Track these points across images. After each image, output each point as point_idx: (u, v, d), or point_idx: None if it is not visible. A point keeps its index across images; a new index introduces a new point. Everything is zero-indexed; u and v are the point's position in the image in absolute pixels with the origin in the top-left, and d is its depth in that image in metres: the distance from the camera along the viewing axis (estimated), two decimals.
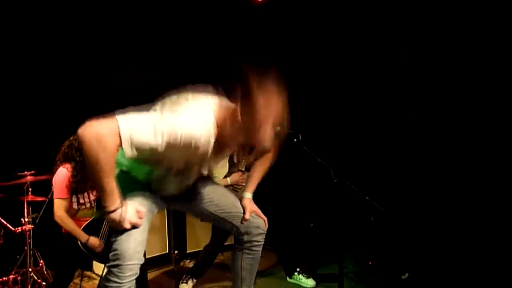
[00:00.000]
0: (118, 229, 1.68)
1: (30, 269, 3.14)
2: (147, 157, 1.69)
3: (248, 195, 2.18)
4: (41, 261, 3.27)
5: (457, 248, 3.75)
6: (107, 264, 1.75)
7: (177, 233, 4.16)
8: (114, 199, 1.63)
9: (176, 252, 4.12)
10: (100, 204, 2.91)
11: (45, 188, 3.11)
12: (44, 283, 3.17)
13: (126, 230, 1.68)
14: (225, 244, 3.55)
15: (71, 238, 2.83)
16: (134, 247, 1.73)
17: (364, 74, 4.60)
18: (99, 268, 3.64)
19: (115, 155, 1.57)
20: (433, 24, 3.95)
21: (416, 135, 4.21)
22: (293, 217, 4.43)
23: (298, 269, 3.51)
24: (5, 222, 3.10)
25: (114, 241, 1.72)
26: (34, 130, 3.75)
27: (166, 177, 1.87)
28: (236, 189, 3.41)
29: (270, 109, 1.61)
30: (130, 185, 1.84)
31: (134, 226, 1.71)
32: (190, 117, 1.62)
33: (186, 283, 3.42)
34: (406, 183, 4.23)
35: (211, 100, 1.70)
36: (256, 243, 2.14)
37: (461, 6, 3.72)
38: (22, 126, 3.73)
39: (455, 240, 3.80)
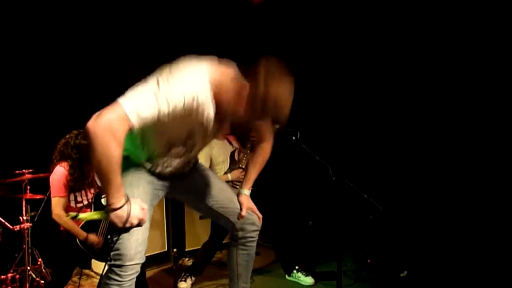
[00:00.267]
0: (122, 228, 1.61)
1: (28, 268, 3.14)
2: (150, 133, 1.66)
3: (246, 191, 2.19)
4: (40, 259, 3.27)
5: (455, 246, 3.75)
6: (109, 263, 1.74)
7: (175, 231, 4.16)
8: (120, 195, 1.58)
9: (174, 250, 4.11)
10: (99, 204, 2.94)
11: (43, 186, 3.10)
12: (42, 281, 3.16)
13: (128, 229, 1.65)
14: (223, 242, 3.55)
15: (70, 236, 2.83)
16: (136, 247, 1.73)
17: (362, 72, 4.60)
18: (97, 266, 3.64)
19: (123, 143, 1.54)
20: (431, 20, 3.95)
21: (414, 133, 4.21)
22: (292, 215, 4.43)
23: (297, 267, 3.52)
24: (3, 220, 3.10)
25: (116, 240, 1.70)
26: (33, 128, 3.74)
27: (169, 153, 1.85)
28: (235, 185, 3.41)
29: (275, 97, 1.59)
30: (130, 172, 1.81)
31: (137, 224, 1.67)
32: (184, 78, 1.60)
33: (185, 281, 3.42)
34: (405, 181, 4.24)
35: (204, 64, 1.68)
36: (250, 239, 2.15)
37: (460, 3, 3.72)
38: (20, 124, 3.73)
39: (454, 237, 3.81)
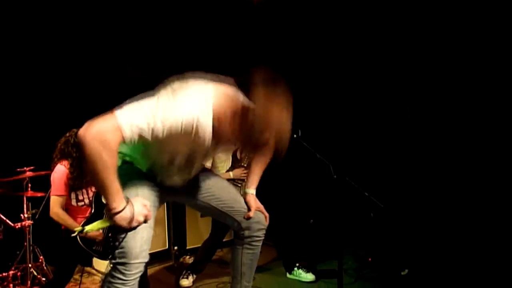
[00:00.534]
0: (127, 228, 1.61)
1: (29, 265, 3.15)
2: (149, 146, 1.67)
3: (252, 191, 2.17)
4: (41, 256, 3.28)
5: (456, 244, 3.75)
6: (113, 261, 1.73)
7: (177, 229, 4.17)
8: (120, 198, 1.58)
9: (176, 248, 4.13)
10: (100, 203, 2.94)
11: (44, 183, 3.11)
12: (43, 279, 3.17)
13: (135, 228, 1.64)
14: (224, 240, 3.55)
15: (70, 234, 2.83)
16: (141, 246, 1.72)
17: (364, 70, 4.59)
18: (99, 264, 3.64)
19: (117, 152, 1.55)
20: (432, 18, 3.94)
21: (416, 131, 4.20)
22: (293, 213, 4.43)
23: (297, 264, 3.52)
24: (4, 218, 3.10)
25: (121, 238, 1.69)
26: (34, 126, 3.74)
27: (169, 167, 1.85)
28: (237, 183, 3.42)
29: (275, 116, 1.59)
30: (133, 176, 1.82)
31: (144, 221, 1.68)
32: (188, 99, 1.60)
33: (187, 278, 3.43)
34: (406, 179, 4.23)
35: (210, 85, 1.68)
36: (256, 238, 2.14)
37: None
38: (21, 122, 3.73)
39: (455, 236, 3.81)
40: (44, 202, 3.21)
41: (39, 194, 3.21)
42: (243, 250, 2.16)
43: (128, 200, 1.61)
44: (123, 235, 1.68)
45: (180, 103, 1.58)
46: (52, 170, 2.91)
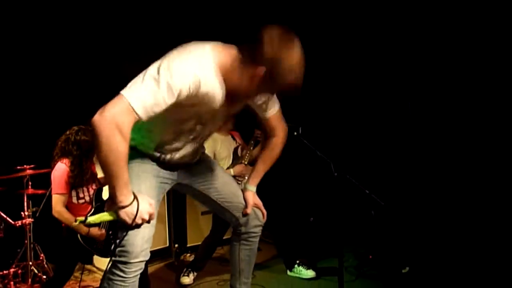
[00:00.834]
0: (132, 224, 1.57)
1: (30, 263, 3.16)
2: (159, 120, 1.62)
3: (252, 187, 2.16)
4: (42, 254, 3.28)
5: (457, 242, 3.75)
6: (113, 259, 1.72)
7: (177, 227, 4.17)
8: (127, 192, 1.54)
9: (176, 245, 4.13)
10: (100, 200, 2.94)
11: (45, 181, 3.11)
12: (44, 277, 3.18)
13: (139, 226, 1.61)
14: (224, 237, 3.55)
15: (71, 232, 2.83)
16: (142, 244, 1.71)
17: (364, 66, 4.58)
18: (99, 261, 3.65)
19: (129, 136, 1.51)
20: (433, 14, 3.93)
21: (417, 128, 4.20)
22: (294, 211, 4.43)
23: (298, 261, 3.52)
24: (5, 216, 3.11)
25: (122, 237, 1.67)
26: (34, 123, 3.74)
27: (177, 140, 1.82)
28: (238, 180, 3.42)
29: (285, 63, 1.52)
30: (136, 165, 1.79)
31: (148, 220, 1.64)
32: (188, 62, 1.56)
33: (187, 276, 3.43)
34: (407, 177, 4.23)
35: (207, 47, 1.63)
36: (253, 235, 2.15)
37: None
38: (22, 120, 3.73)
39: (456, 233, 3.80)
40: (44, 200, 3.21)
41: (39, 192, 3.21)
42: (240, 246, 2.16)
43: (135, 196, 1.57)
44: (124, 233, 1.66)
45: (181, 68, 1.54)
46: (52, 168, 2.91)
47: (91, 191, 3.02)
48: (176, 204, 4.12)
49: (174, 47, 1.64)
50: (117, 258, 1.70)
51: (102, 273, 3.57)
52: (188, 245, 4.21)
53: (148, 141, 1.83)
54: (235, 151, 3.63)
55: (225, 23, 4.26)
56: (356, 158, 4.28)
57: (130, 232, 1.66)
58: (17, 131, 3.68)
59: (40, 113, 3.78)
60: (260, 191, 2.20)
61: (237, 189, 2.13)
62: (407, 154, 4.28)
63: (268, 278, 3.52)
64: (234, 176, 3.43)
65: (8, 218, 3.11)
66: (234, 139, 3.70)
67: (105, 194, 2.90)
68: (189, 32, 4.21)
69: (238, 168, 3.47)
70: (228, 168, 3.49)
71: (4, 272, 3.10)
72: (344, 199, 2.69)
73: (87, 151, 2.89)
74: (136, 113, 1.48)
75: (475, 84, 3.79)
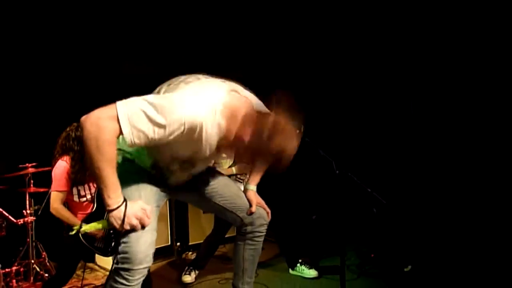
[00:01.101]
0: (121, 229, 1.57)
1: (32, 261, 3.16)
2: (150, 147, 1.64)
3: (253, 187, 2.17)
4: (44, 252, 3.29)
5: (459, 240, 3.74)
6: (115, 266, 1.66)
7: (179, 225, 4.17)
8: (115, 196, 1.55)
9: (178, 244, 4.13)
10: (102, 198, 2.93)
11: (47, 179, 3.11)
12: (46, 275, 3.18)
13: (130, 231, 1.60)
14: (226, 236, 3.55)
15: (71, 230, 2.83)
16: (145, 250, 1.65)
17: (367, 66, 4.56)
18: (101, 260, 3.65)
19: (115, 143, 1.52)
20: (435, 14, 3.91)
21: (419, 127, 4.18)
22: (296, 209, 4.42)
23: (300, 260, 3.51)
24: (7, 214, 3.11)
25: (123, 243, 1.63)
26: (36, 122, 3.74)
27: (171, 166, 1.83)
28: (239, 179, 3.41)
29: (279, 148, 1.63)
30: (135, 175, 1.80)
31: (143, 226, 1.62)
32: (195, 97, 1.56)
33: (189, 274, 3.43)
34: (409, 175, 4.22)
35: (225, 86, 1.64)
36: (258, 234, 2.14)
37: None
38: (23, 119, 3.73)
39: (458, 232, 3.79)
40: (46, 198, 3.21)
41: (41, 190, 3.21)
42: (245, 246, 2.16)
43: (124, 200, 1.57)
44: (125, 239, 1.62)
45: (186, 100, 1.55)
46: (53, 166, 2.91)
47: (93, 190, 3.01)
48: (177, 202, 4.12)
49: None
50: (120, 266, 1.65)
51: (104, 271, 3.60)
52: (190, 244, 4.22)
53: (144, 158, 1.84)
54: None
55: (225, 23, 4.26)
56: (358, 157, 4.27)
57: (132, 239, 1.62)
58: (19, 129, 3.68)
59: (42, 111, 3.79)
60: (262, 190, 2.19)
61: (238, 190, 2.14)
62: (409, 153, 4.26)
63: (270, 276, 3.51)
64: (235, 175, 3.42)
65: (10, 216, 3.11)
66: None
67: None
68: (189, 32, 4.21)
69: (240, 166, 3.46)
70: (230, 166, 3.49)
71: (7, 270, 3.11)
72: (346, 197, 2.69)
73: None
74: (120, 124, 1.49)
75: (477, 84, 3.77)
